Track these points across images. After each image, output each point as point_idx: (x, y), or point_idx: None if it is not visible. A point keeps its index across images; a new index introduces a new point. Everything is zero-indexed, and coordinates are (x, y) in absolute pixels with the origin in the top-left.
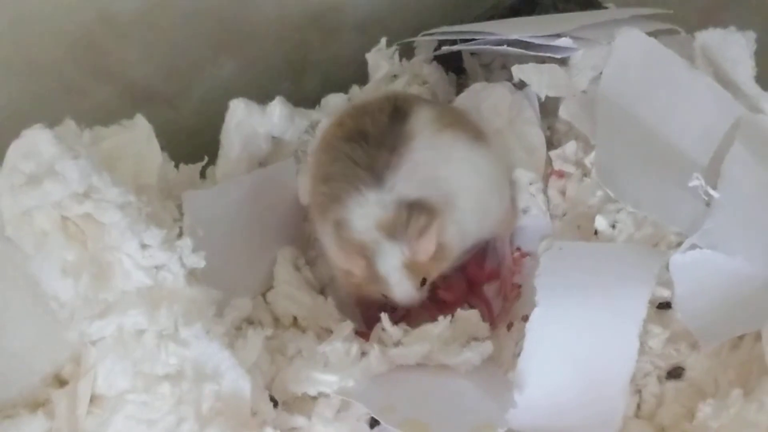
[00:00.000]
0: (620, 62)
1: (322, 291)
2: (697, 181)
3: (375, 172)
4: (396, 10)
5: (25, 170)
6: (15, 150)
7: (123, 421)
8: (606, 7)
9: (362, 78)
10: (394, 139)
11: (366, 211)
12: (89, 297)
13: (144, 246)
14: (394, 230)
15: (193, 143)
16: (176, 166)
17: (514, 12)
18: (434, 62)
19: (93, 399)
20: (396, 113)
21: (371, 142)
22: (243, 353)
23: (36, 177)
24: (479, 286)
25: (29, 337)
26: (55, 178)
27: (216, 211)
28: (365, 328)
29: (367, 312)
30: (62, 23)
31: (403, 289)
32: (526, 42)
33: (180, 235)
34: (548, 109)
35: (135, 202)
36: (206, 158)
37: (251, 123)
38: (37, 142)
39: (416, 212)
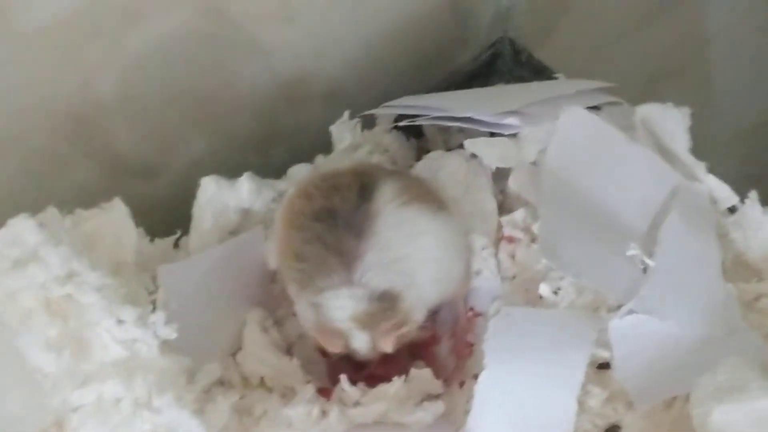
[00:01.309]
0: (564, 138)
1: (288, 350)
2: (634, 251)
3: (345, 261)
4: (359, 81)
5: (10, 256)
6: (1, 237)
7: None
8: (556, 77)
9: (327, 147)
10: (360, 219)
11: (341, 304)
12: (71, 369)
13: (120, 322)
14: (365, 324)
15: (168, 215)
16: (151, 239)
17: (472, 78)
18: (395, 130)
19: None
20: (363, 190)
21: (340, 223)
22: (212, 417)
23: (21, 261)
24: (429, 347)
25: (17, 404)
26: (39, 263)
27: (189, 282)
28: (330, 384)
29: (332, 367)
30: (45, 97)
31: (369, 356)
32: (477, 121)
33: (153, 309)
34: (501, 174)
35: (112, 284)
36: (179, 232)
37: (222, 198)
38: (21, 231)
39: (385, 311)
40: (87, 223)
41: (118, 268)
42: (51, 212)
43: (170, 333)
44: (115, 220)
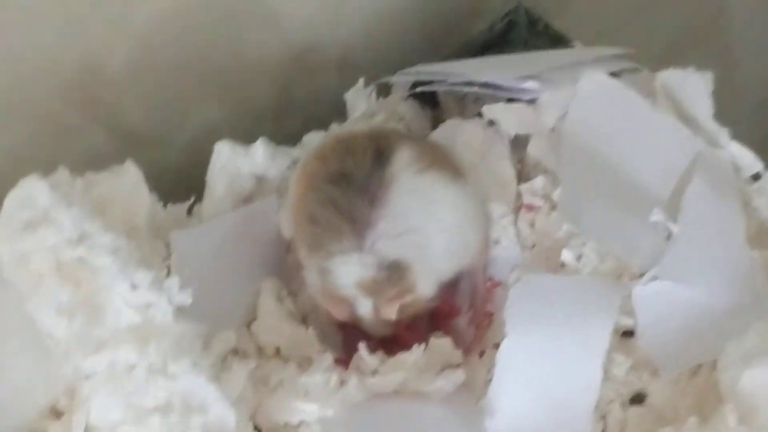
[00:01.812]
0: (584, 103)
1: (303, 320)
2: (657, 216)
3: (356, 227)
4: (373, 49)
5: (21, 217)
6: (12, 198)
7: None
8: (573, 45)
9: (341, 116)
10: (375, 185)
11: (348, 269)
12: (83, 335)
13: (134, 286)
14: (369, 291)
15: (181, 183)
16: (164, 205)
17: (486, 48)
18: (410, 99)
19: (87, 430)
20: (378, 155)
21: (353, 188)
22: (228, 385)
23: (32, 224)
24: (448, 320)
25: (27, 373)
26: (50, 225)
27: (202, 248)
28: (345, 355)
29: (348, 337)
30: (55, 66)
31: (377, 328)
32: (495, 86)
33: (168, 274)
34: (519, 143)
35: (125, 247)
36: (193, 197)
37: (235, 164)
38: (32, 191)
39: (391, 280)
40: (98, 186)
41: (130, 233)
42: (62, 173)
43: (185, 299)
44: (127, 183)
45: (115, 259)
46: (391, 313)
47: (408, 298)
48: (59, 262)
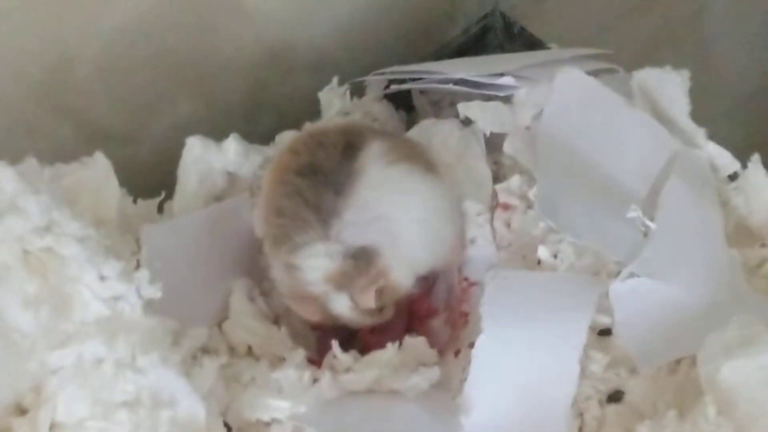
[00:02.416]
0: (560, 100)
1: (275, 321)
2: (634, 213)
3: (322, 217)
4: (348, 51)
5: None
6: None
7: None
8: (549, 47)
9: (315, 115)
10: (342, 177)
11: (315, 263)
12: (50, 328)
13: (103, 278)
14: (340, 284)
15: (151, 179)
16: (134, 201)
17: (462, 52)
18: (384, 100)
19: (53, 427)
20: (348, 148)
21: (321, 179)
22: (198, 380)
23: None
24: (423, 320)
25: None
26: (17, 213)
27: (173, 244)
28: (318, 355)
29: (321, 338)
30: (26, 63)
31: (356, 321)
32: (471, 82)
33: (137, 267)
34: (494, 144)
35: (94, 236)
36: (164, 193)
37: (207, 159)
38: None
39: (359, 267)
40: (67, 177)
41: (99, 225)
42: (30, 163)
43: (155, 292)
44: (96, 174)
45: (84, 249)
46: (368, 301)
47: (381, 283)
48: (26, 253)
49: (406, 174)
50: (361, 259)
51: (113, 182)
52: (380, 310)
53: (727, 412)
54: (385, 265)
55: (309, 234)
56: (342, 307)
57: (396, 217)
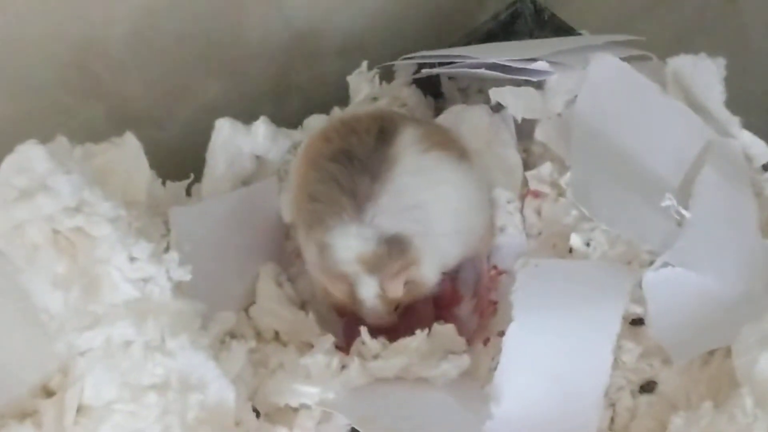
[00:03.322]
0: (594, 86)
1: (303, 306)
2: (669, 201)
3: (357, 201)
4: (376, 36)
5: (18, 185)
6: (8, 165)
7: (110, 431)
8: (580, 34)
9: (343, 100)
10: (378, 163)
11: (348, 243)
12: (78, 309)
13: (132, 259)
14: (372, 267)
15: (179, 162)
16: (163, 183)
17: (491, 38)
18: (413, 85)
19: (80, 409)
20: (382, 134)
21: (356, 165)
22: (227, 365)
23: (28, 191)
24: (451, 308)
25: (19, 349)
26: (48, 193)
27: (201, 227)
28: (345, 343)
29: (349, 325)
30: (53, 46)
31: (375, 314)
32: (503, 66)
33: (167, 249)
34: (524, 132)
35: (125, 217)
36: (192, 176)
37: (236, 142)
38: (30, 158)
39: (392, 254)
40: (97, 157)
41: (129, 206)
42: (60, 142)
43: (184, 274)
44: (126, 155)
45: (114, 229)
46: (396, 290)
47: (412, 274)
48: (56, 232)
49: (441, 162)
50: (395, 245)
51: (143, 163)
52: (396, 308)
53: (764, 403)
54: (417, 256)
55: (343, 217)
56: (369, 291)
57: (430, 207)
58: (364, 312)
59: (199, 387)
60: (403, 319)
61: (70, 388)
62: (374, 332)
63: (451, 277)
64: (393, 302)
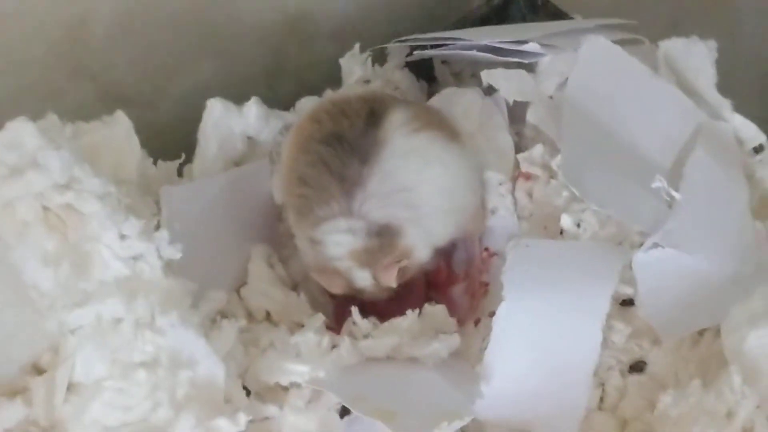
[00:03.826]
0: (586, 68)
1: (294, 288)
2: (659, 183)
3: (346, 187)
4: (369, 19)
5: (7, 161)
6: None
7: (100, 408)
8: (573, 18)
9: (336, 82)
10: (367, 146)
11: (339, 239)
12: (69, 286)
13: (123, 236)
14: (364, 261)
15: (171, 142)
16: (154, 163)
17: (484, 23)
18: (406, 69)
19: (70, 386)
20: (371, 116)
21: (346, 148)
22: (217, 343)
23: (18, 168)
24: (444, 288)
25: (8, 327)
26: (38, 169)
27: (193, 206)
28: (336, 323)
29: (339, 305)
30: (44, 24)
31: (376, 295)
32: (495, 48)
33: (157, 227)
34: (516, 115)
35: (115, 193)
36: (183, 156)
37: (228, 122)
38: (20, 134)
39: (383, 247)
40: (87, 136)
41: (120, 186)
42: (51, 119)
43: (174, 253)
44: (117, 134)
45: (104, 206)
46: (390, 280)
47: (404, 263)
48: (45, 209)
49: (430, 142)
50: (386, 237)
51: (134, 142)
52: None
53: (752, 381)
54: (408, 244)
55: (331, 206)
56: (365, 282)
57: (420, 188)
58: (364, 295)
59: (189, 364)
60: (396, 300)
61: (60, 366)
62: (368, 312)
63: (446, 257)
64: (389, 287)
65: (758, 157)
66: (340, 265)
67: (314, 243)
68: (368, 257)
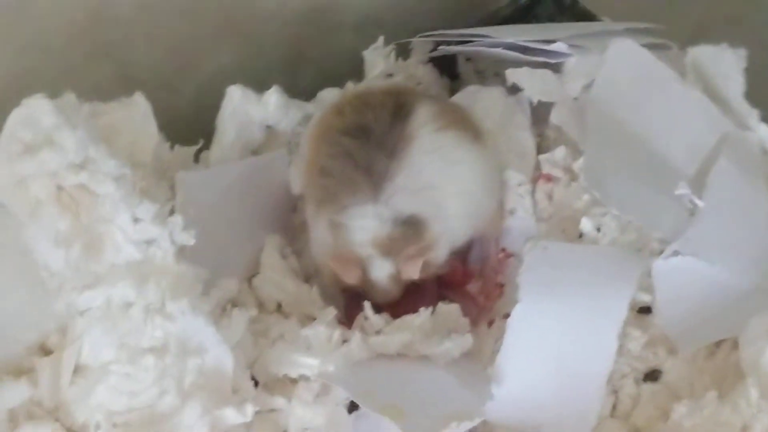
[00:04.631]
0: (612, 71)
1: (307, 280)
2: (683, 190)
3: (373, 180)
4: (393, 13)
5: (23, 139)
6: (15, 118)
7: (105, 392)
8: (601, 20)
9: (358, 74)
10: (394, 140)
11: (363, 224)
12: (79, 268)
13: (136, 220)
14: (388, 249)
15: (189, 128)
16: (171, 147)
17: (509, 22)
18: (429, 64)
19: (77, 369)
20: (398, 110)
21: (372, 141)
22: (227, 332)
23: (34, 146)
24: (459, 286)
25: (17, 306)
26: (53, 148)
27: (208, 193)
28: (347, 318)
29: (351, 300)
30: (65, 4)
31: (386, 293)
32: (521, 47)
33: (172, 212)
34: (539, 116)
35: (130, 176)
36: (201, 142)
37: (247, 110)
38: (37, 112)
39: (408, 236)
40: (104, 116)
41: (135, 169)
42: (68, 98)
43: (188, 239)
44: (135, 116)
45: (118, 188)
46: (413, 272)
47: (430, 255)
48: (59, 189)
49: (456, 141)
50: (412, 227)
51: (152, 125)
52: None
53: None
54: (434, 237)
55: (358, 196)
56: (382, 273)
57: (445, 188)
58: (371, 290)
59: (197, 352)
60: (408, 298)
61: (67, 348)
62: (378, 308)
63: (461, 256)
64: (405, 282)
65: None
66: (362, 252)
67: (337, 227)
68: (392, 246)
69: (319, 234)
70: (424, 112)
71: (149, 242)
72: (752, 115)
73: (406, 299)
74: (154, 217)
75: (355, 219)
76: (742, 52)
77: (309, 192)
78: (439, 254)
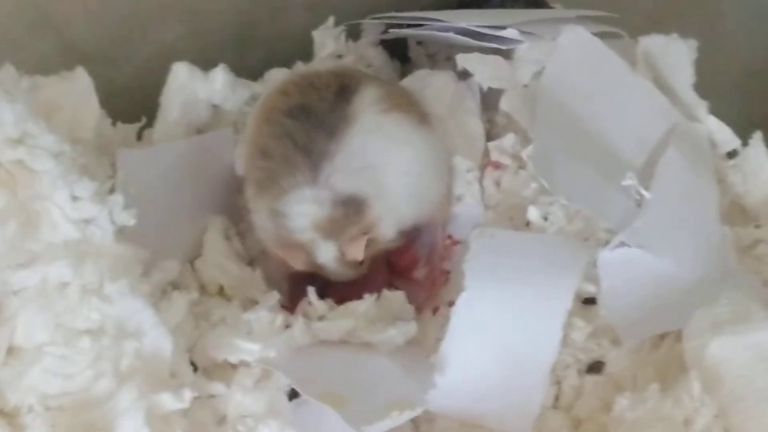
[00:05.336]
0: (563, 59)
1: (250, 263)
2: (630, 181)
3: (312, 160)
4: None
5: None
6: None
7: (39, 374)
8: (553, 7)
9: (307, 55)
10: (335, 120)
11: (302, 210)
12: (15, 245)
13: (75, 198)
14: (329, 231)
15: (132, 104)
16: (113, 124)
17: (462, 6)
18: (380, 46)
19: (10, 350)
20: (342, 91)
21: (312, 121)
22: (167, 314)
23: None
24: (405, 272)
25: None
26: None
27: (150, 172)
28: (290, 302)
29: (295, 287)
30: None
31: (339, 273)
32: (472, 32)
33: (112, 191)
34: (489, 103)
35: (69, 152)
36: (144, 120)
37: (193, 87)
38: None
39: (349, 216)
40: (44, 90)
41: (75, 145)
42: (8, 70)
43: (128, 219)
44: (75, 91)
45: (57, 164)
46: (357, 252)
47: (371, 234)
48: None
49: (400, 124)
50: (352, 207)
51: (93, 100)
52: (361, 263)
53: (712, 389)
54: (375, 216)
55: (297, 178)
56: (328, 256)
57: (387, 168)
58: (324, 273)
59: (135, 335)
60: (356, 283)
61: (1, 328)
62: (326, 294)
63: (409, 243)
64: (355, 262)
65: (731, 161)
66: (304, 238)
67: (277, 215)
68: (333, 227)
69: (261, 219)
70: (368, 93)
71: (88, 221)
72: (701, 106)
73: (353, 284)
74: (93, 195)
75: (293, 205)
76: (693, 43)
77: (249, 174)
78: (386, 231)
